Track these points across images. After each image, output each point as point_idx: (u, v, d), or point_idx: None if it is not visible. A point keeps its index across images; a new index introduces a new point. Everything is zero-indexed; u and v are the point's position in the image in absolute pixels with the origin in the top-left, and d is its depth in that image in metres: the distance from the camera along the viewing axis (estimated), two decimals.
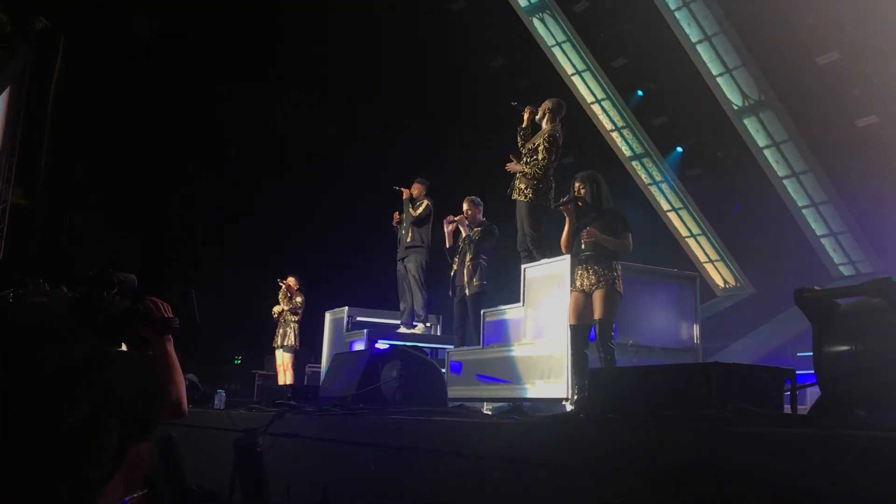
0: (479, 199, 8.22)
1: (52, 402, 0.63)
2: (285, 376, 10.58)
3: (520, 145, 7.27)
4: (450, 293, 8.07)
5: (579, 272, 5.54)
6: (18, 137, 13.87)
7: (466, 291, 7.80)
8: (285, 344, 10.66)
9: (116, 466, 0.70)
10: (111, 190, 13.95)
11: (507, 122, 7.52)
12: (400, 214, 9.04)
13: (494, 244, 8.03)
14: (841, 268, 14.49)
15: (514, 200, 7.21)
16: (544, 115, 7.16)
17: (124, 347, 2.20)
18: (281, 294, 10.81)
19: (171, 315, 2.17)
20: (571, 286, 5.61)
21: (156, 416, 0.79)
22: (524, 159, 7.15)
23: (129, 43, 14.01)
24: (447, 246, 8.26)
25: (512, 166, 7.22)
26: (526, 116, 7.24)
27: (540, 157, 6.99)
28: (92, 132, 13.68)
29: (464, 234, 7.96)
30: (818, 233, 14.49)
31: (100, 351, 0.70)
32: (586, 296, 5.45)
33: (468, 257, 7.86)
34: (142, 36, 14.09)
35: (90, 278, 1.96)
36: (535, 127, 7.25)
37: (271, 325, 10.97)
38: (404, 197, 9.01)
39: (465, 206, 8.12)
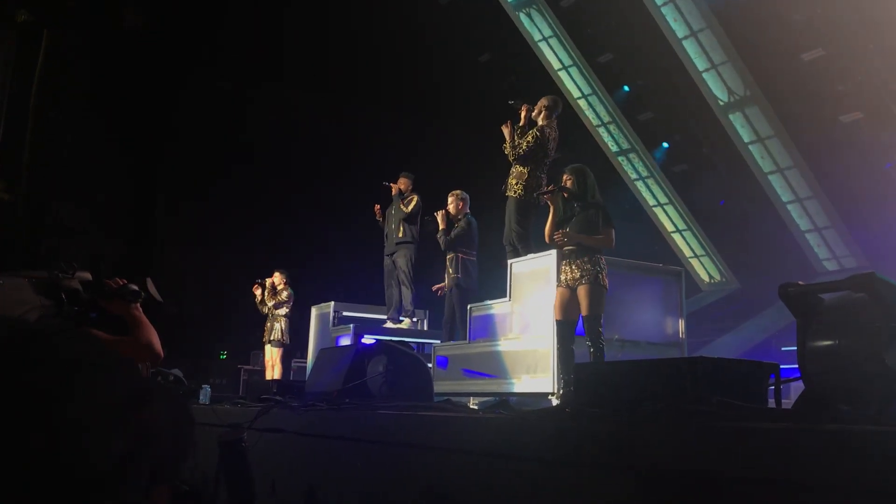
0: (464, 194, 8.22)
1: (93, 433, 0.61)
2: (273, 371, 10.52)
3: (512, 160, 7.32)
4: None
5: (563, 267, 5.56)
6: (0, 131, 13.74)
7: (446, 284, 7.89)
8: (273, 338, 10.60)
9: None
10: (96, 184, 13.85)
11: (494, 116, 7.54)
12: (383, 209, 9.03)
13: (473, 237, 8.05)
14: (825, 263, 14.58)
15: (506, 196, 7.26)
16: (540, 112, 7.22)
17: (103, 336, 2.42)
18: (267, 293, 10.73)
19: (126, 283, 2.50)
20: (557, 281, 5.63)
21: (185, 458, 0.78)
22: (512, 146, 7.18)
23: (114, 35, 13.89)
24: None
25: (505, 128, 7.24)
26: (523, 115, 7.29)
27: (525, 144, 7.03)
28: (75, 125, 13.57)
29: (441, 227, 7.99)
30: (803, 228, 14.57)
31: (143, 385, 0.69)
32: (571, 291, 5.47)
33: (448, 253, 7.94)
34: (126, 28, 13.98)
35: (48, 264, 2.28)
36: (531, 124, 7.30)
37: (257, 321, 10.93)
38: (393, 193, 8.99)
39: (449, 200, 8.15)
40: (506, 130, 7.22)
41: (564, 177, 5.77)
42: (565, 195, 5.71)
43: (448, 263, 7.91)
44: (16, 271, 2.43)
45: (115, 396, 0.68)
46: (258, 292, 10.75)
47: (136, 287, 2.68)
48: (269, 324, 10.69)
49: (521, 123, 7.28)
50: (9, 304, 2.29)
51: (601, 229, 5.52)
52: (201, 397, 6.88)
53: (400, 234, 8.80)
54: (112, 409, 0.67)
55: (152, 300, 2.73)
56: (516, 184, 7.07)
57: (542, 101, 7.27)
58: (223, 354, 13.94)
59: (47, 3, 13.29)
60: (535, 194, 6.75)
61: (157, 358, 2.68)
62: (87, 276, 2.56)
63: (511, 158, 7.14)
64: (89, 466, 0.64)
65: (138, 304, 2.68)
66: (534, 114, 7.26)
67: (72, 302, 2.45)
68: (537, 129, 7.12)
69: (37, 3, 13.29)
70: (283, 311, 10.69)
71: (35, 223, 13.35)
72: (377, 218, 9.08)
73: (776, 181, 14.50)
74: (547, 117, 7.19)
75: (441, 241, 7.96)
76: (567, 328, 5.51)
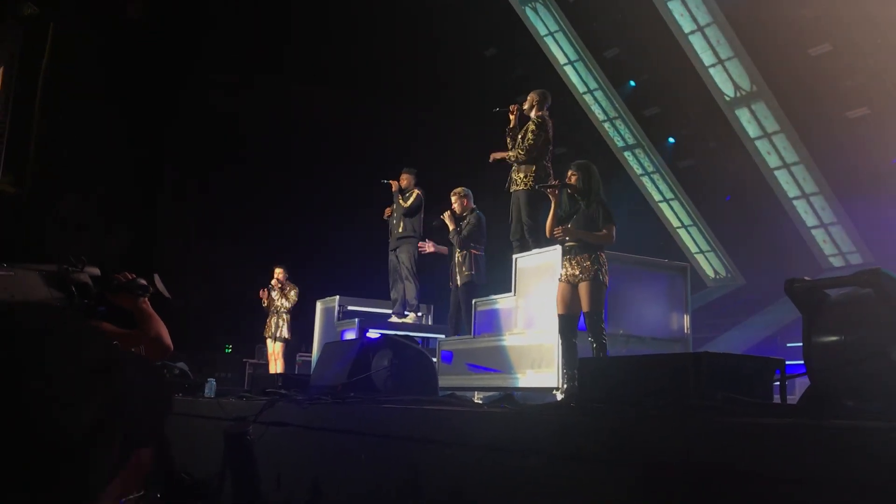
0: (466, 190, 8.21)
1: (62, 402, 0.62)
2: (276, 365, 10.56)
3: (510, 147, 7.33)
4: (449, 283, 8.12)
5: (564, 263, 5.58)
6: (7, 124, 13.77)
7: (458, 282, 7.85)
8: (278, 335, 10.62)
9: (117, 470, 0.70)
10: (101, 177, 13.87)
11: (502, 112, 7.54)
12: (391, 207, 9.04)
13: (483, 231, 8.05)
14: (831, 259, 14.55)
15: (510, 192, 7.26)
16: (532, 106, 7.25)
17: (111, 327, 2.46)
18: (276, 293, 10.72)
19: (135, 277, 2.52)
20: (559, 276, 5.64)
21: (161, 421, 0.80)
22: (515, 148, 7.22)
23: (119, 29, 13.91)
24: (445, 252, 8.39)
25: (496, 154, 7.34)
26: (513, 117, 7.32)
27: (528, 139, 7.06)
28: (81, 119, 13.59)
29: (451, 227, 7.97)
30: (809, 224, 14.54)
31: (110, 352, 0.70)
32: (572, 287, 5.49)
33: (457, 250, 7.92)
34: (131, 21, 13.99)
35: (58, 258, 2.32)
36: (522, 122, 7.32)
37: (262, 315, 10.94)
38: (393, 189, 9.00)
39: (452, 200, 8.13)
40: (498, 156, 7.34)
41: (569, 172, 5.77)
42: (570, 191, 5.71)
43: (461, 261, 7.86)
44: (26, 264, 2.46)
45: (82, 365, 0.69)
46: (265, 296, 10.77)
47: (144, 281, 2.69)
48: (272, 319, 10.71)
49: (511, 126, 7.31)
50: (19, 296, 2.32)
51: (602, 226, 5.52)
52: (206, 391, 6.89)
53: (401, 230, 8.81)
54: (79, 378, 0.68)
55: (160, 296, 2.75)
56: (525, 177, 7.08)
57: (533, 96, 7.33)
58: (228, 348, 13.98)
59: None
60: (536, 186, 6.76)
61: (166, 351, 2.70)
62: (96, 270, 2.58)
63: (521, 159, 7.13)
64: (60, 436, 0.65)
65: (146, 299, 2.70)
66: (525, 108, 7.30)
67: (81, 295, 2.47)
68: (536, 119, 7.16)
69: None
70: (288, 306, 10.73)
71: (41, 217, 13.38)
72: (385, 218, 9.10)
73: (782, 177, 14.47)
74: (539, 109, 7.24)
75: (455, 241, 7.93)
76: (569, 322, 5.53)
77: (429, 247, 8.52)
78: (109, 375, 0.71)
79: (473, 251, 7.88)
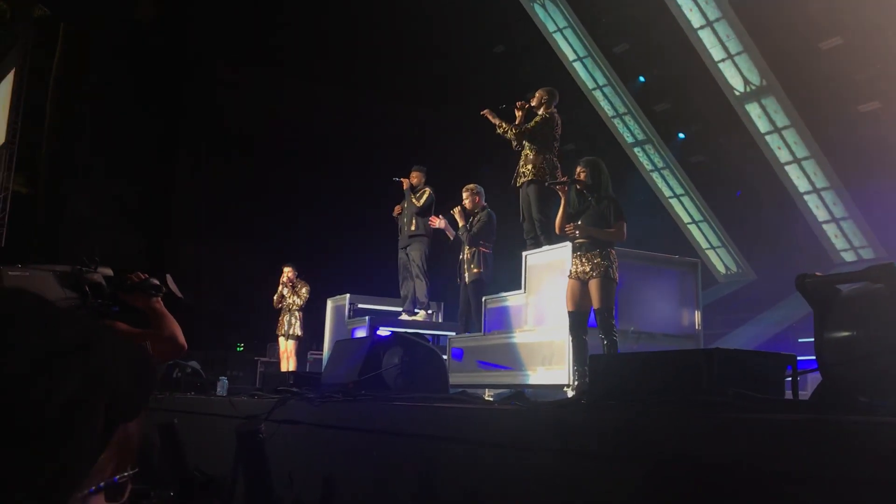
0: (478, 188, 8.21)
1: (40, 380, 0.64)
2: (288, 363, 10.58)
3: (515, 145, 7.33)
4: (457, 280, 8.13)
5: (574, 260, 5.57)
6: (19, 125, 13.86)
7: (466, 279, 7.85)
8: (290, 332, 10.64)
9: (103, 445, 0.71)
10: (113, 177, 13.95)
11: (509, 109, 7.54)
12: (400, 204, 9.05)
13: (493, 229, 8.04)
14: (843, 254, 14.47)
15: (518, 188, 7.26)
16: (540, 104, 7.26)
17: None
18: (287, 292, 10.74)
19: (147, 277, 2.56)
20: (568, 273, 5.64)
21: (145, 395, 0.81)
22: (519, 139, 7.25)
23: (129, 28, 13.97)
24: (450, 237, 8.35)
25: (489, 113, 7.40)
26: (519, 114, 7.32)
27: (528, 126, 7.11)
28: (93, 119, 13.67)
29: (461, 224, 7.98)
30: (820, 219, 14.46)
31: (89, 329, 0.71)
32: (582, 283, 5.48)
33: (466, 246, 7.92)
34: (142, 21, 14.05)
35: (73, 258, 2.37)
36: (529, 118, 7.32)
37: (273, 313, 10.97)
38: (405, 187, 9.00)
39: (464, 196, 8.13)
40: (490, 115, 7.36)
41: (578, 169, 5.77)
42: (578, 187, 5.71)
43: (470, 258, 7.87)
44: (40, 264, 2.50)
45: (56, 345, 0.70)
46: (279, 294, 10.79)
47: (156, 281, 2.72)
48: (284, 317, 10.73)
49: (517, 122, 7.30)
50: None
51: (613, 223, 5.52)
52: (219, 389, 6.92)
53: (413, 228, 8.81)
54: (54, 358, 0.69)
55: (172, 296, 2.78)
56: (533, 168, 7.09)
57: (541, 93, 7.35)
58: (240, 347, 14.03)
59: None
60: (546, 183, 6.76)
61: (180, 350, 2.74)
62: (109, 270, 2.61)
63: (515, 139, 7.17)
64: (37, 417, 0.66)
65: (159, 298, 2.72)
66: (533, 104, 7.32)
67: (95, 295, 2.50)
68: (545, 114, 7.18)
69: None
70: (300, 303, 10.75)
71: (53, 217, 13.46)
72: (395, 216, 9.10)
73: (793, 171, 14.39)
74: (547, 107, 7.25)
75: (464, 237, 7.93)
76: (579, 319, 5.53)
77: (440, 222, 8.42)
78: (87, 352, 0.72)
79: (482, 248, 7.88)
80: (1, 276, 2.40)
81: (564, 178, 5.88)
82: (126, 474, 0.79)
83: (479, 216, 7.99)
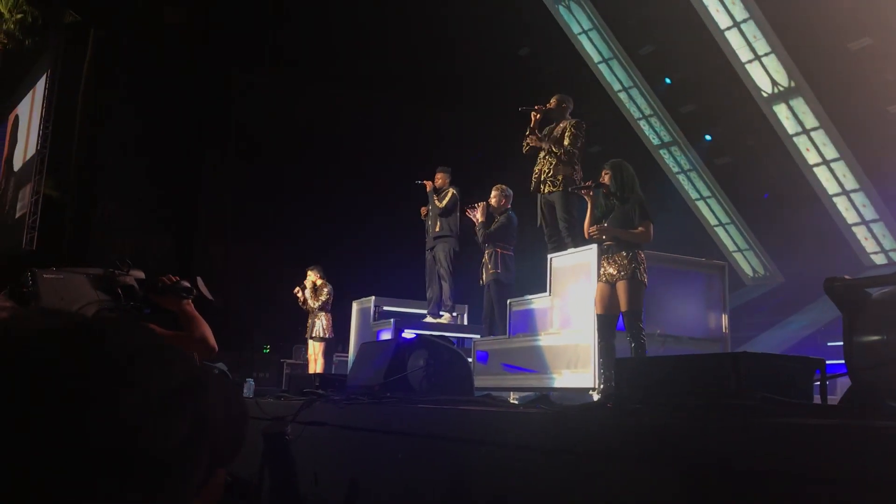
0: (508, 190, 8.22)
1: (158, 423, 0.63)
2: (315, 365, 10.63)
3: (529, 144, 7.29)
4: (480, 282, 8.14)
5: (603, 263, 5.56)
6: (50, 129, 14.07)
7: (483, 279, 7.90)
8: (315, 335, 10.70)
9: (200, 489, 0.71)
10: (142, 180, 14.11)
11: (525, 111, 7.52)
12: (426, 207, 9.07)
13: (513, 233, 8.04)
14: (873, 257, 14.27)
15: (543, 193, 7.23)
16: (561, 112, 7.25)
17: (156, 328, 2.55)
18: (309, 295, 10.79)
19: (178, 280, 2.60)
20: (598, 276, 5.62)
21: (241, 439, 0.81)
22: (546, 146, 7.18)
23: (159, 33, 14.13)
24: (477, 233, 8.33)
25: (534, 141, 7.24)
26: (536, 117, 7.27)
27: (567, 140, 7.05)
28: (122, 123, 13.84)
29: (480, 220, 8.00)
30: (849, 221, 14.27)
31: (196, 368, 0.71)
32: (611, 286, 5.46)
33: (486, 247, 7.95)
34: (171, 26, 14.21)
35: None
36: (543, 123, 7.30)
37: (300, 315, 11.04)
38: (428, 190, 9.03)
39: (492, 194, 8.16)
40: (532, 116, 7.27)
41: (603, 171, 5.76)
42: (604, 191, 5.70)
43: (487, 258, 7.90)
44: (74, 267, 2.54)
45: (172, 385, 0.70)
46: (300, 295, 10.86)
47: (187, 284, 2.75)
48: (311, 320, 10.79)
49: (531, 125, 7.27)
50: (68, 299, 2.39)
51: (639, 224, 5.49)
52: (245, 391, 6.97)
53: (437, 229, 8.83)
54: (170, 398, 0.69)
55: (203, 298, 2.81)
56: (562, 178, 7.05)
57: (564, 102, 7.29)
58: (266, 348, 14.12)
59: (93, 2, 13.56)
60: (570, 189, 6.74)
61: (211, 351, 2.77)
62: (141, 273, 2.65)
63: (561, 157, 7.08)
64: (151, 454, 0.66)
65: (190, 300, 2.75)
66: (552, 106, 7.28)
67: (128, 298, 2.54)
68: (574, 124, 7.15)
69: (83, 4, 13.57)
70: (322, 304, 10.79)
71: (83, 220, 13.64)
72: (423, 218, 9.13)
73: (821, 173, 14.22)
74: (569, 115, 7.27)
75: (479, 234, 7.96)
76: (607, 323, 5.50)
77: (475, 214, 8.25)
78: (196, 392, 0.72)
79: (500, 250, 7.90)
80: (36, 278, 2.44)
81: (590, 183, 5.86)
82: None
83: (499, 218, 8.00)
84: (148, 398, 0.67)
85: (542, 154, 7.24)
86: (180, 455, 0.67)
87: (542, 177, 7.16)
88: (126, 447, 0.64)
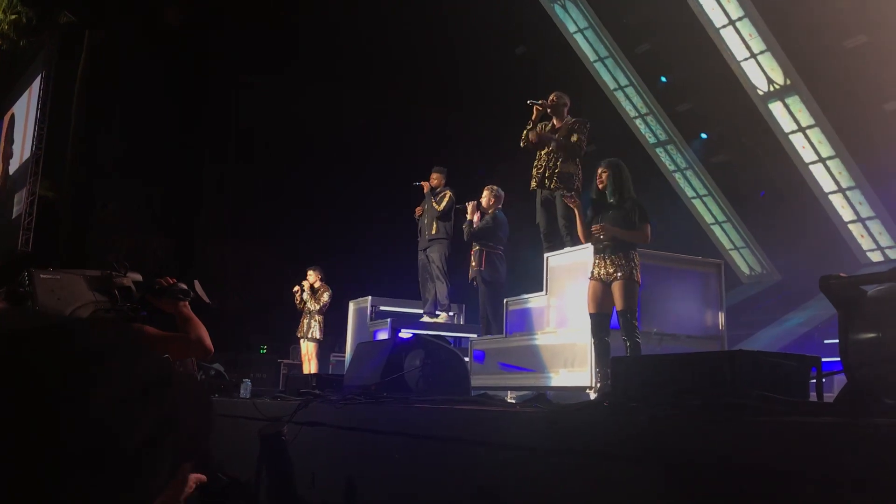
0: (500, 192, 8.23)
1: (124, 419, 0.64)
2: (310, 366, 10.64)
3: (527, 140, 7.28)
4: (472, 282, 8.17)
5: (597, 261, 5.56)
6: (45, 130, 14.04)
7: (469, 276, 7.96)
8: (309, 335, 10.69)
9: (166, 484, 0.72)
10: (138, 181, 14.09)
11: (530, 109, 7.52)
12: (421, 206, 9.07)
13: (499, 232, 8.05)
14: (869, 254, 14.29)
15: (547, 189, 7.21)
16: (561, 112, 7.24)
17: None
18: (307, 296, 10.77)
19: (175, 282, 2.60)
20: (590, 274, 5.62)
21: (207, 435, 0.82)
22: (552, 145, 7.18)
23: (154, 34, 14.11)
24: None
25: (536, 137, 7.21)
26: (538, 112, 7.26)
27: (575, 138, 7.06)
28: (117, 124, 13.82)
29: (468, 218, 8.03)
30: (846, 219, 14.29)
31: (165, 367, 0.73)
32: (604, 285, 5.47)
33: (473, 245, 7.99)
34: (166, 27, 14.19)
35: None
36: (541, 118, 7.30)
37: (297, 315, 11.03)
38: (425, 191, 9.03)
39: (484, 193, 8.17)
40: (538, 113, 7.23)
41: (599, 171, 5.76)
42: (593, 196, 5.74)
43: (472, 256, 7.96)
44: (72, 269, 2.54)
45: (137, 383, 0.72)
46: (298, 294, 10.83)
47: (185, 286, 2.76)
48: (304, 320, 10.77)
49: (533, 118, 7.24)
50: (64, 299, 2.39)
51: (637, 225, 5.50)
52: (242, 391, 6.97)
53: (433, 231, 8.84)
54: (135, 396, 0.70)
55: (200, 301, 2.81)
56: (566, 176, 7.04)
57: (563, 99, 7.27)
58: (263, 349, 14.11)
59: (89, 3, 13.53)
60: (561, 194, 6.73)
61: (207, 353, 2.78)
62: (138, 275, 2.65)
63: (562, 157, 7.07)
64: (119, 450, 0.67)
65: (187, 303, 2.76)
66: (554, 101, 7.25)
67: (124, 299, 2.54)
68: (577, 122, 7.15)
69: (78, 4, 13.54)
70: (317, 308, 10.78)
71: (80, 221, 13.62)
72: (416, 218, 9.13)
73: (818, 171, 14.23)
74: (567, 114, 7.26)
75: (465, 231, 8.02)
76: (601, 321, 5.51)
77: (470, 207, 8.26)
78: (163, 390, 0.73)
79: (486, 249, 7.93)
80: (32, 278, 2.44)
81: (572, 195, 5.94)
82: None
83: (486, 217, 8.04)
84: (114, 395, 0.67)
85: (544, 150, 7.20)
86: (147, 450, 0.68)
87: (547, 172, 7.12)
88: (94, 443, 0.65)
